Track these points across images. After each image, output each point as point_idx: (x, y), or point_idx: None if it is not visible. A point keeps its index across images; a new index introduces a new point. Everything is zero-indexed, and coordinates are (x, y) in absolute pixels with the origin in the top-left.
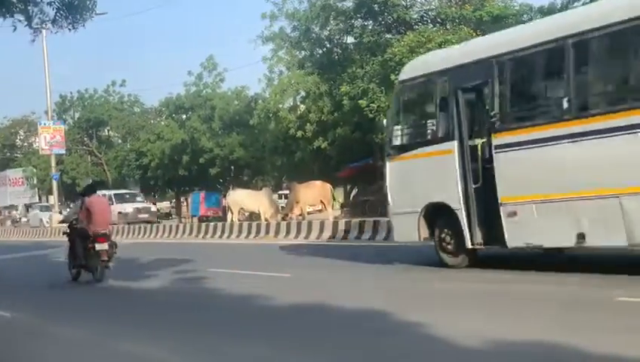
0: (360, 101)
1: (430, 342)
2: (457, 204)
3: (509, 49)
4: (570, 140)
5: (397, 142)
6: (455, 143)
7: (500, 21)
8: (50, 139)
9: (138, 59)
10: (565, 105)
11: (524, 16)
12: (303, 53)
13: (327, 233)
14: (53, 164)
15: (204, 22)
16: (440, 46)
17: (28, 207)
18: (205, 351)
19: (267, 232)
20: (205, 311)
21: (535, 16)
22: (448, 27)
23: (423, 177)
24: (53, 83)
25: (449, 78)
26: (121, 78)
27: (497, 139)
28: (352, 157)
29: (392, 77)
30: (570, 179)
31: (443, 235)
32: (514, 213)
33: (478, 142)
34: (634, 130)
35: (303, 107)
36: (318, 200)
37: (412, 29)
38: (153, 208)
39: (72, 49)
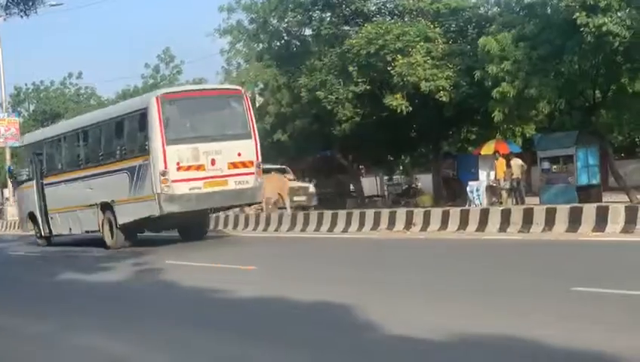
0: (318, 93)
1: None
2: (37, 212)
3: (46, 136)
4: (63, 183)
5: (20, 178)
6: (34, 182)
7: (457, 13)
8: (4, 131)
9: (95, 51)
10: (60, 165)
11: (481, 8)
12: (261, 45)
13: (285, 225)
14: (7, 156)
15: (162, 14)
16: (398, 38)
17: None
18: (168, 342)
19: (225, 225)
20: (167, 303)
21: (492, 8)
22: (406, 19)
23: (27, 198)
24: (7, 75)
25: (31, 147)
26: (78, 71)
27: (46, 180)
28: (311, 150)
29: (350, 68)
30: (64, 201)
31: (36, 229)
32: (52, 217)
33: (42, 181)
34: (79, 180)
35: (261, 99)
36: (275, 192)
37: (370, 21)
38: (311, 188)
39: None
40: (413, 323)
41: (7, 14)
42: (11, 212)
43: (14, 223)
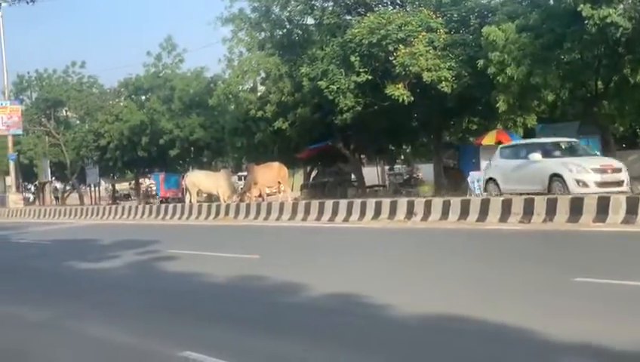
0: (320, 82)
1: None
2: None
3: None
4: None
5: None
6: None
7: (459, 3)
8: (6, 119)
9: (97, 39)
10: None
11: None
12: (263, 34)
13: (286, 214)
14: (10, 144)
15: (164, 2)
16: (400, 28)
17: None
18: (167, 333)
19: (226, 213)
20: (168, 293)
21: None
22: (408, 9)
23: None
24: (11, 63)
25: None
26: (81, 60)
27: None
28: (312, 139)
29: (352, 58)
30: None
31: None
32: None
33: None
34: None
35: (263, 88)
36: (275, 181)
37: (372, 11)
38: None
39: (30, 28)
40: (419, 311)
41: (13, 1)
42: (13, 199)
43: (17, 211)
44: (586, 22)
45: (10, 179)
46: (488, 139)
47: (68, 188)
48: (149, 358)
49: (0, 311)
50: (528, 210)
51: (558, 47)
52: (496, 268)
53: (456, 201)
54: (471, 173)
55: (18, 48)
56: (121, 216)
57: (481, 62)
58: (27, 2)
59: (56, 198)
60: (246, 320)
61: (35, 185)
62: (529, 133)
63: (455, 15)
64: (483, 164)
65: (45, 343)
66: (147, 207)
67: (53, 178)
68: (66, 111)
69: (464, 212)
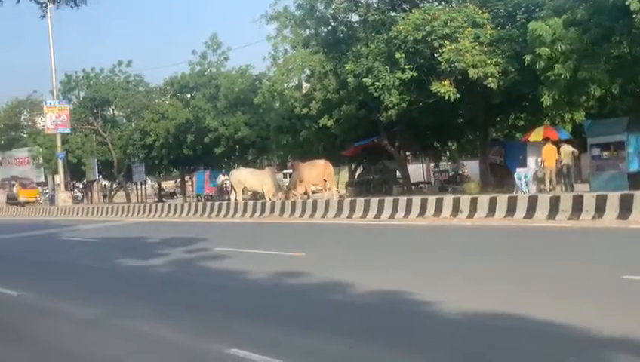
0: (365, 79)
1: None
2: None
3: None
4: None
5: None
6: None
7: None
8: (55, 118)
9: (143, 38)
10: None
11: None
12: (308, 31)
13: (332, 212)
14: (58, 143)
15: (209, 1)
16: (446, 24)
17: None
18: (214, 329)
19: (272, 211)
20: (215, 290)
21: None
22: (454, 5)
23: None
24: (59, 63)
25: None
26: (127, 59)
27: None
28: (357, 136)
29: (397, 55)
30: None
31: None
32: None
33: None
34: None
35: (308, 86)
36: (321, 179)
37: (417, 7)
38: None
39: (77, 29)
40: (466, 309)
41: (58, 3)
42: (62, 197)
43: (66, 209)
44: (634, 15)
45: (59, 178)
46: (535, 136)
47: (115, 186)
48: (196, 355)
49: (50, 308)
50: (577, 208)
51: (606, 41)
52: (545, 266)
53: (502, 198)
54: (518, 169)
55: (66, 48)
56: (167, 214)
57: (528, 58)
58: (71, 7)
59: (104, 196)
60: (291, 317)
61: (83, 184)
62: (577, 129)
63: (501, 10)
64: (530, 160)
65: (94, 340)
66: (193, 204)
67: (101, 176)
68: (113, 109)
69: (511, 209)
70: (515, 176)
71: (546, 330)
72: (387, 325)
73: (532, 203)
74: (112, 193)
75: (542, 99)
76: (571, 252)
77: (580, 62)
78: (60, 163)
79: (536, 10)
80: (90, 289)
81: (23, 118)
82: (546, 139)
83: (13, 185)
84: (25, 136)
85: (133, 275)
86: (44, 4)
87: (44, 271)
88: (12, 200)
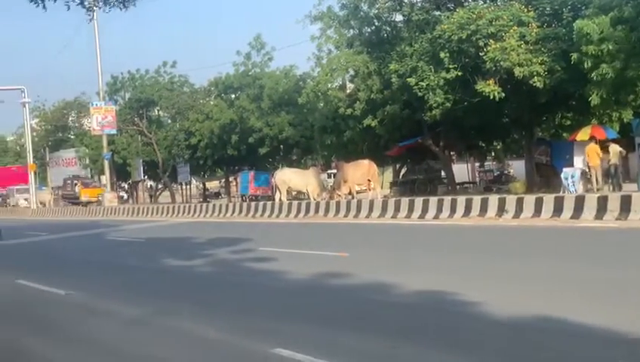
0: (409, 79)
1: None
2: None
3: None
4: None
5: None
6: None
7: None
8: (101, 119)
9: (188, 39)
10: None
11: None
12: (352, 31)
13: (376, 212)
14: (104, 144)
15: (253, 2)
16: (491, 22)
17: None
18: (258, 329)
19: (316, 211)
20: (260, 290)
21: None
22: (499, 3)
23: None
24: (105, 64)
25: None
26: (172, 60)
27: None
28: (401, 136)
29: (442, 54)
30: None
31: None
32: None
33: None
34: None
35: (351, 86)
36: (365, 179)
37: (462, 6)
38: None
39: (123, 30)
40: (510, 309)
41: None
42: (108, 198)
43: (112, 209)
44: None
45: (105, 178)
46: (582, 135)
47: (160, 186)
48: (241, 355)
49: (97, 307)
50: (625, 208)
51: None
52: (591, 267)
53: (549, 198)
54: (564, 169)
55: (112, 50)
56: (212, 214)
57: (574, 56)
58: (120, 8)
59: (150, 197)
60: (335, 317)
61: (129, 184)
62: (625, 128)
63: (547, 8)
64: (577, 160)
65: (140, 340)
66: (237, 204)
67: (146, 176)
68: (158, 110)
69: (557, 209)
70: (562, 175)
71: (594, 332)
72: (431, 325)
73: (579, 203)
74: (157, 193)
75: (590, 98)
76: (620, 253)
77: (627, 61)
78: (106, 163)
79: (583, 8)
80: (136, 289)
81: (70, 119)
82: (590, 139)
83: (75, 184)
84: (72, 137)
85: (178, 275)
86: (91, 8)
87: (92, 270)
88: (73, 199)
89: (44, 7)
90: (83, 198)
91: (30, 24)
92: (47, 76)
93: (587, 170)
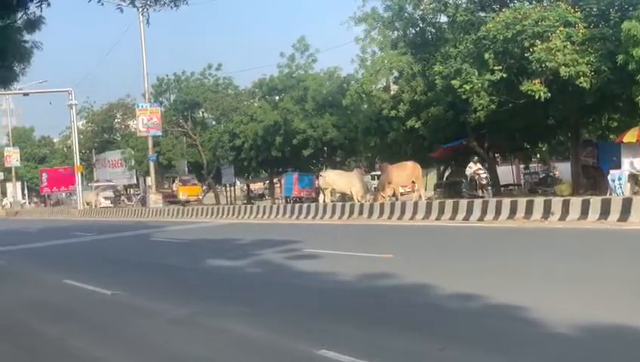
0: (453, 81)
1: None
2: None
3: None
4: None
5: None
6: None
7: None
8: (147, 121)
9: (233, 41)
10: None
11: None
12: (396, 33)
13: (420, 214)
14: (150, 145)
15: (298, 4)
16: (537, 23)
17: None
18: (303, 329)
19: (360, 213)
20: (304, 291)
21: None
22: (545, 3)
23: None
24: (151, 66)
25: None
26: (217, 62)
27: None
28: (445, 138)
29: (486, 55)
30: None
31: None
32: None
33: None
34: None
35: (396, 87)
36: (409, 181)
37: (507, 6)
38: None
39: (169, 32)
40: (560, 313)
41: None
42: (153, 199)
43: (157, 210)
44: None
45: (151, 180)
46: (630, 137)
47: (204, 187)
48: (286, 355)
49: (142, 307)
50: None
51: None
52: None
53: (596, 200)
54: (611, 171)
55: (158, 52)
56: (256, 216)
57: (621, 58)
58: (171, 7)
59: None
60: (380, 319)
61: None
62: None
63: (594, 9)
64: (625, 162)
65: (185, 339)
66: (281, 206)
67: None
68: (203, 112)
69: (604, 211)
70: (609, 177)
71: None
72: (477, 328)
73: (626, 205)
74: (203, 195)
75: (637, 100)
76: None
77: None
78: (152, 165)
79: (630, 9)
80: (180, 289)
81: (116, 121)
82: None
83: (173, 181)
84: (118, 138)
85: (222, 276)
86: (144, 8)
87: (137, 270)
88: (170, 198)
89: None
90: (181, 197)
91: (78, 26)
92: (94, 78)
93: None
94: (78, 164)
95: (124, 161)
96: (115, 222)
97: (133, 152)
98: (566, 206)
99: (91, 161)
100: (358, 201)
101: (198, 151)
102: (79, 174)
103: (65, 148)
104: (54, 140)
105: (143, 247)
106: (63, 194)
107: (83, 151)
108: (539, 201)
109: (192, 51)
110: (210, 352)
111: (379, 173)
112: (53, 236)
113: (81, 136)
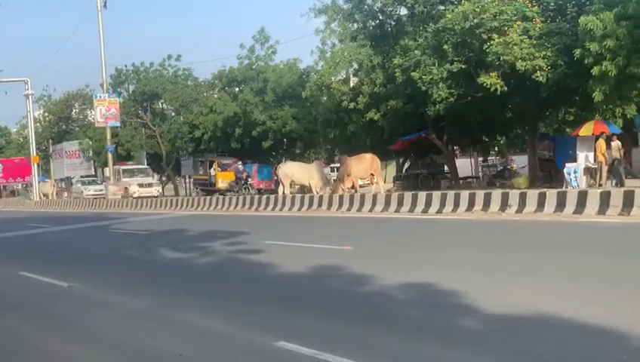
0: (413, 73)
1: None
2: None
3: None
4: None
5: None
6: None
7: None
8: (105, 111)
9: (192, 32)
10: None
11: None
12: (356, 25)
13: (379, 206)
14: (108, 136)
15: None
16: (495, 17)
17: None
18: (262, 321)
19: (319, 205)
20: (263, 283)
21: None
22: None
23: None
24: (109, 57)
25: None
26: (176, 53)
27: None
28: (405, 130)
29: (445, 47)
30: None
31: None
32: None
33: None
34: None
35: (355, 79)
36: (368, 173)
37: (467, 0)
38: None
39: (127, 23)
40: (513, 306)
41: None
42: (112, 190)
43: (115, 202)
44: None
45: (109, 171)
46: (586, 130)
47: (163, 179)
48: (244, 347)
49: (100, 299)
50: (628, 203)
51: None
52: (601, 263)
53: (552, 193)
54: (567, 164)
55: (116, 42)
56: (215, 207)
57: (577, 52)
58: None
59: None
60: (339, 311)
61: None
62: (628, 123)
63: (552, 4)
64: (580, 155)
65: (145, 332)
66: (240, 198)
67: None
68: (162, 103)
69: (560, 204)
70: (565, 170)
71: (595, 333)
72: (434, 319)
73: (582, 198)
74: (161, 186)
75: (593, 95)
76: (623, 248)
77: (630, 58)
78: (110, 156)
79: (587, 3)
80: (139, 281)
81: (74, 111)
82: (601, 134)
83: (210, 166)
84: (76, 129)
85: (180, 268)
86: None
87: (94, 262)
88: (206, 186)
89: None
90: (220, 185)
91: (35, 15)
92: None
93: (595, 164)
94: (35, 154)
95: (82, 152)
96: (73, 213)
97: (91, 143)
98: (523, 198)
99: (48, 151)
100: (317, 193)
101: (158, 142)
102: (35, 165)
103: (21, 139)
104: (12, 130)
105: (101, 239)
106: (20, 185)
107: (40, 141)
108: (496, 194)
109: (152, 42)
110: (168, 344)
111: (338, 165)
112: (9, 228)
113: (38, 125)
